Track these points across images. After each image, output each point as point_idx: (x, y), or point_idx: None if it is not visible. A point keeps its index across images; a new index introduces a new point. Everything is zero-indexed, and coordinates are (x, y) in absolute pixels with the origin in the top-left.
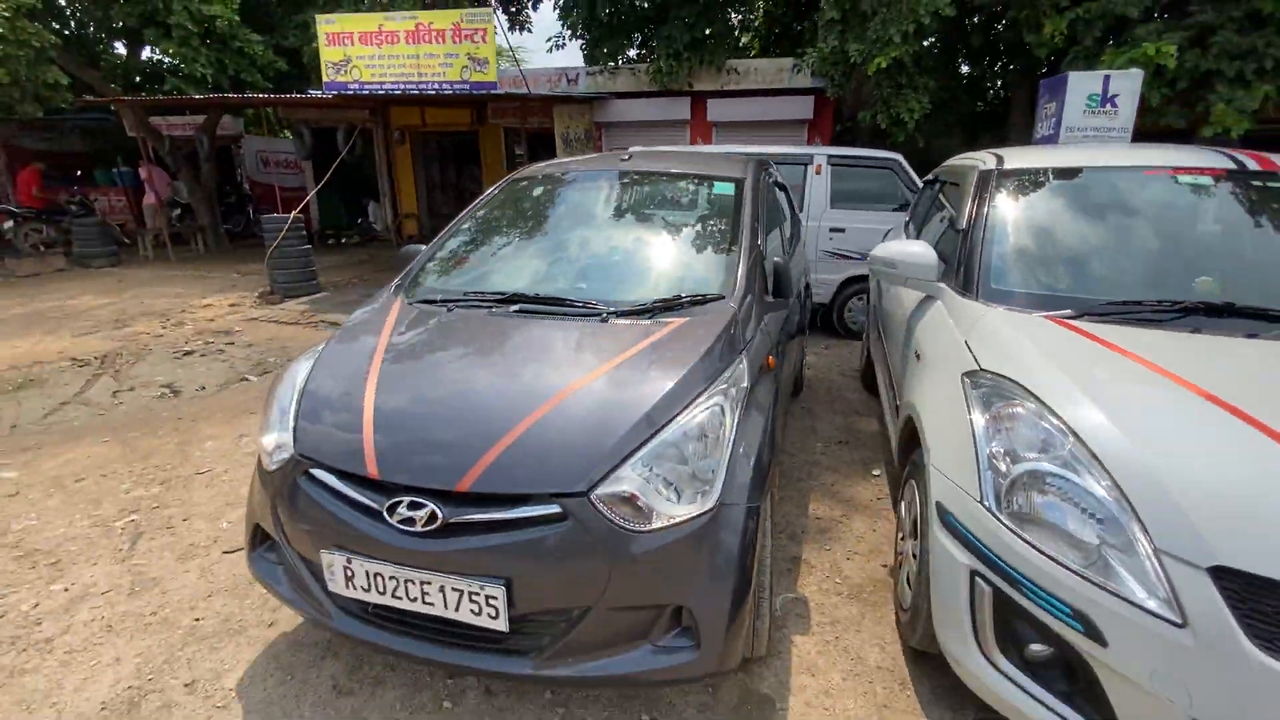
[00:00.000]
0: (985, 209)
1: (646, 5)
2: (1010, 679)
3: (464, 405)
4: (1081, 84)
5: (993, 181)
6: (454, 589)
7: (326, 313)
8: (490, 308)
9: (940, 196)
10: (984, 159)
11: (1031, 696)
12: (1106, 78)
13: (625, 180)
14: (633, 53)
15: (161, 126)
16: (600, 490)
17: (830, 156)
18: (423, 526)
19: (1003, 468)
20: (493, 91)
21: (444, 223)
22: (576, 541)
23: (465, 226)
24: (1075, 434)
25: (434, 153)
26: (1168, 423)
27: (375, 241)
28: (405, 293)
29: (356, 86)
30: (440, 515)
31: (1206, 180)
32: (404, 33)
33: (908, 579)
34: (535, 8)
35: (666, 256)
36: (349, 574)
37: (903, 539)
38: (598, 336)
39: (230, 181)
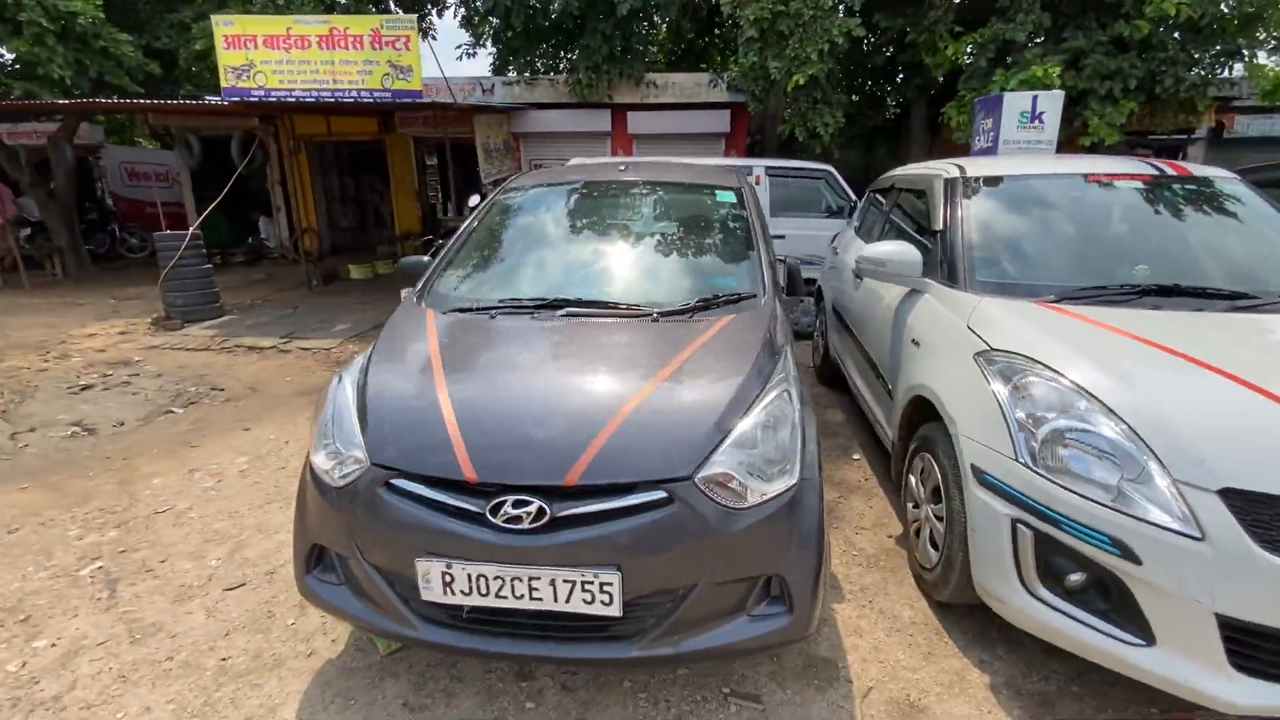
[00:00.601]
0: (959, 212)
1: (556, 15)
2: (1054, 608)
3: (552, 404)
4: (1015, 103)
5: (960, 188)
6: (565, 580)
7: (240, 337)
8: (532, 313)
9: (899, 203)
10: (946, 169)
11: (1074, 619)
12: (1035, 97)
13: (630, 189)
14: (539, 63)
15: (2, 134)
16: (701, 474)
17: (769, 168)
18: (530, 523)
19: (1032, 429)
20: (418, 100)
21: (345, 236)
22: (684, 523)
23: (474, 237)
24: (1089, 393)
25: (332, 163)
26: (1160, 378)
27: (266, 259)
28: (430, 303)
29: (262, 93)
30: (548, 511)
31: (1138, 185)
32: (317, 37)
33: (931, 541)
34: (440, 14)
35: (690, 259)
36: (447, 579)
37: (915, 507)
38: (656, 336)
39: (90, 197)
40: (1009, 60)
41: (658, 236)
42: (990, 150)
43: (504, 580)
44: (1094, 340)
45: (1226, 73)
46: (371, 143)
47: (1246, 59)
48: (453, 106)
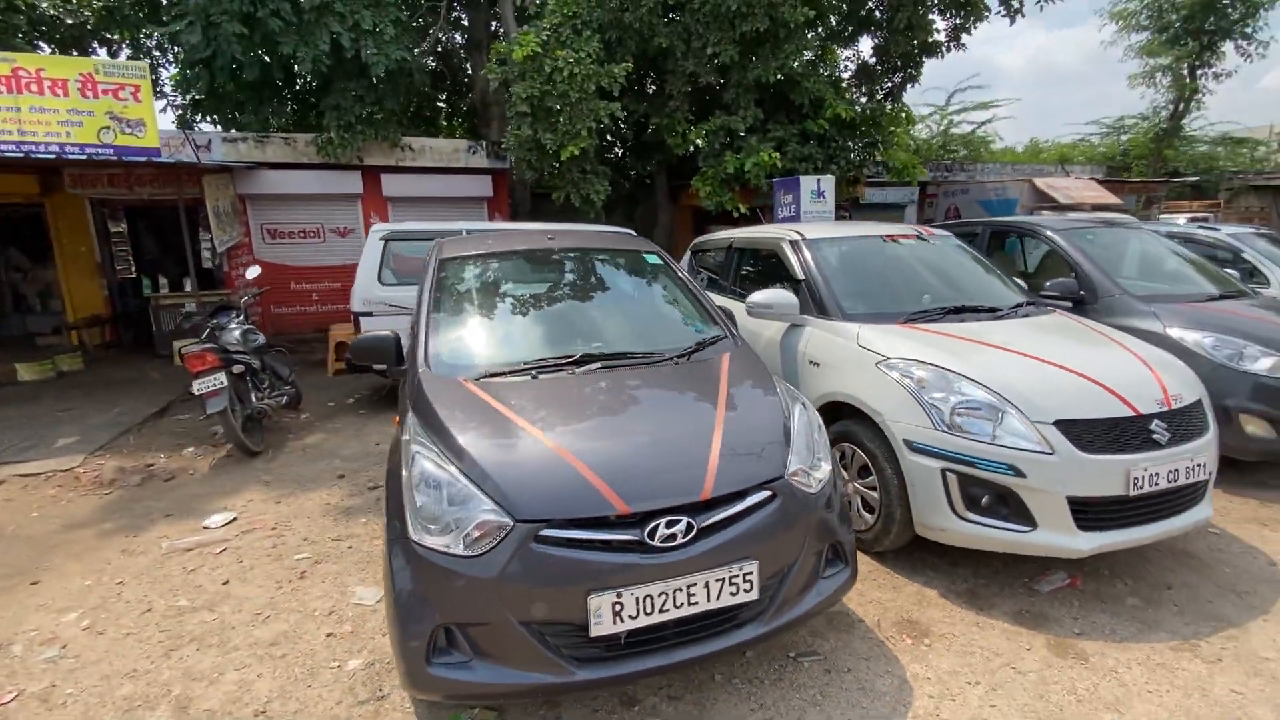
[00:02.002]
0: (814, 263)
1: (310, 73)
2: (976, 523)
3: (658, 437)
4: (807, 184)
5: (805, 247)
6: (716, 580)
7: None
8: (566, 370)
9: (743, 259)
10: (787, 233)
11: (989, 527)
12: (819, 180)
13: (578, 255)
14: (249, 117)
15: None
16: (788, 472)
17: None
18: (683, 537)
19: (939, 405)
20: (155, 159)
21: None
22: (787, 510)
23: (449, 308)
24: (961, 374)
25: None
26: (991, 359)
27: None
28: (452, 372)
29: None
30: (694, 525)
31: (911, 241)
32: None
33: (865, 507)
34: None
35: (659, 311)
36: (617, 609)
37: (845, 484)
38: (687, 374)
39: None
40: (735, 145)
41: (623, 294)
42: (794, 218)
43: (667, 594)
44: (943, 343)
45: (869, 159)
46: (24, 206)
47: (881, 150)
48: (198, 167)
